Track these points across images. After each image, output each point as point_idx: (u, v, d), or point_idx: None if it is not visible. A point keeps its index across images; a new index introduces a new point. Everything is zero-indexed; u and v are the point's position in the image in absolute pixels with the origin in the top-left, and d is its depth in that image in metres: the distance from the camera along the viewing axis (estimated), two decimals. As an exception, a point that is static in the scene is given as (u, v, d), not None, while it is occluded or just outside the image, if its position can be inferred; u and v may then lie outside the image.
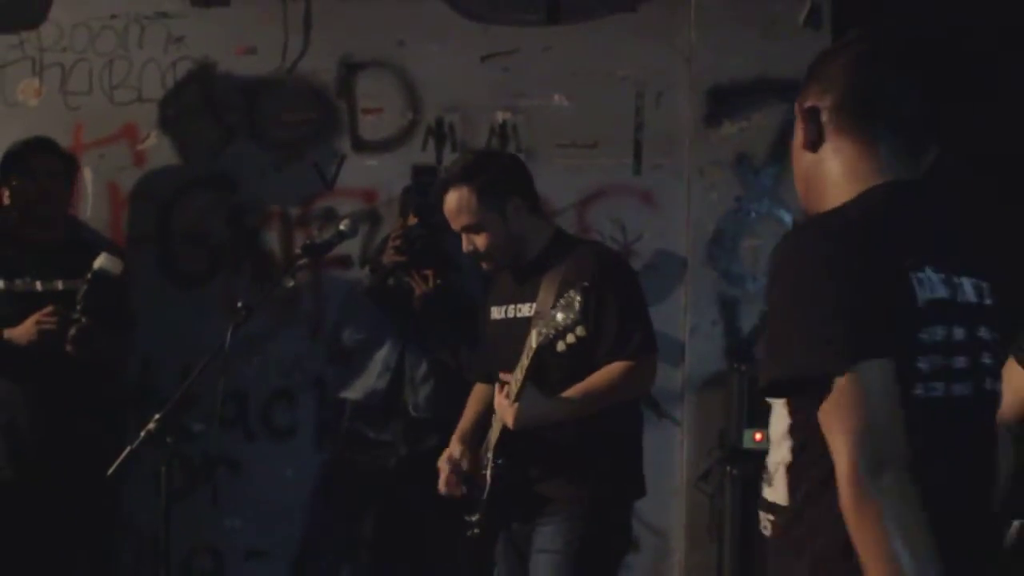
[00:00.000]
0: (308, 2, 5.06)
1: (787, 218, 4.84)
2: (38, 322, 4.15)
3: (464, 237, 3.45)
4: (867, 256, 1.78)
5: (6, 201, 4.36)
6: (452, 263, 4.35)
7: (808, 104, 2.03)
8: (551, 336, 2.99)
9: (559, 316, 2.96)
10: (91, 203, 5.07)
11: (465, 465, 3.52)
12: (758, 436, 4.27)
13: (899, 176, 1.95)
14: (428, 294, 4.33)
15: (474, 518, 3.50)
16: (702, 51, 4.90)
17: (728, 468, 4.37)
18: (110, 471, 3.26)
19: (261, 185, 5.04)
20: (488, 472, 3.41)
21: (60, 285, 4.26)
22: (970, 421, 1.90)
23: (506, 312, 3.50)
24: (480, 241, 3.42)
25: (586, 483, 3.37)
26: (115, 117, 5.09)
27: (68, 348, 4.11)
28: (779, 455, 2.03)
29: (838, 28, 4.84)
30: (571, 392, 3.27)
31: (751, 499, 4.19)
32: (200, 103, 5.09)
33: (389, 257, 4.34)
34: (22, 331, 4.17)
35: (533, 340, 3.06)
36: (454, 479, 3.52)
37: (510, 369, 3.26)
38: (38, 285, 4.29)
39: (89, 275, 4.09)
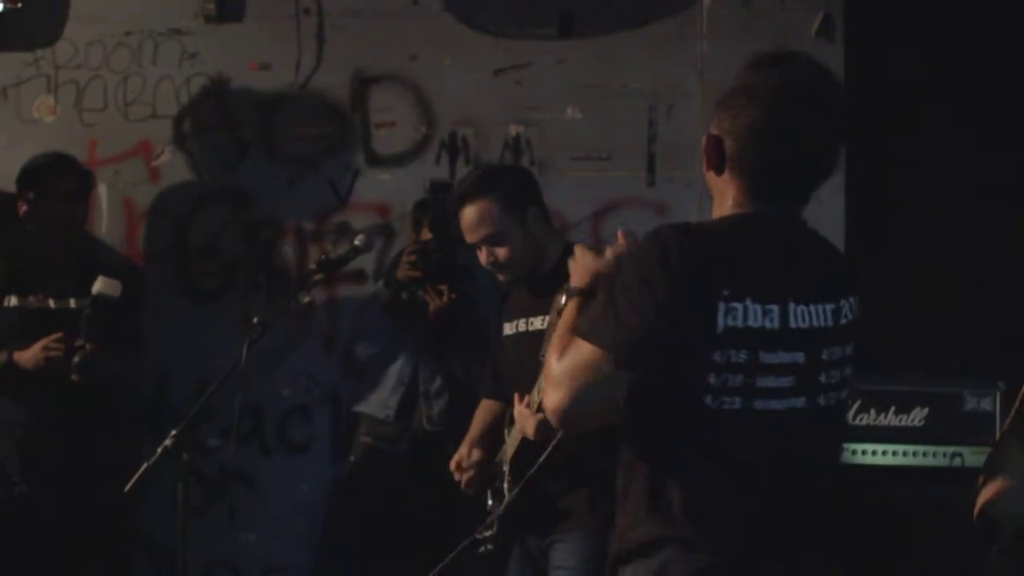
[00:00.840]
0: (321, 17, 5.07)
1: (801, 229, 4.81)
2: (45, 347, 4.16)
3: (484, 250, 3.45)
4: (679, 277, 2.11)
5: (22, 215, 4.38)
6: (467, 277, 4.35)
7: (715, 132, 2.24)
8: None
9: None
10: (106, 219, 5.08)
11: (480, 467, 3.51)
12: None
13: (767, 211, 2.22)
14: (443, 309, 4.33)
15: (487, 533, 3.48)
16: (714, 63, 4.90)
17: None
18: (127, 488, 3.28)
19: (275, 200, 5.05)
20: (506, 485, 3.40)
21: (73, 303, 4.28)
22: (786, 434, 2.20)
23: (518, 326, 3.51)
24: (501, 252, 3.42)
25: (604, 498, 3.36)
26: (130, 133, 5.11)
27: (73, 376, 4.13)
28: None
29: (851, 39, 4.84)
30: None
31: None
32: (214, 119, 5.10)
33: (404, 272, 4.34)
34: (29, 356, 4.19)
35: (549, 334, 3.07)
36: (477, 480, 3.50)
37: (523, 383, 3.26)
38: (51, 302, 4.30)
39: (88, 301, 4.10)
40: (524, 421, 3.25)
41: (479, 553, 3.49)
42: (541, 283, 3.43)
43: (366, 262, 4.84)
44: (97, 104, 5.11)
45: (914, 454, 4.15)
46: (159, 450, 3.21)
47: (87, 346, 4.13)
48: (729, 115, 2.22)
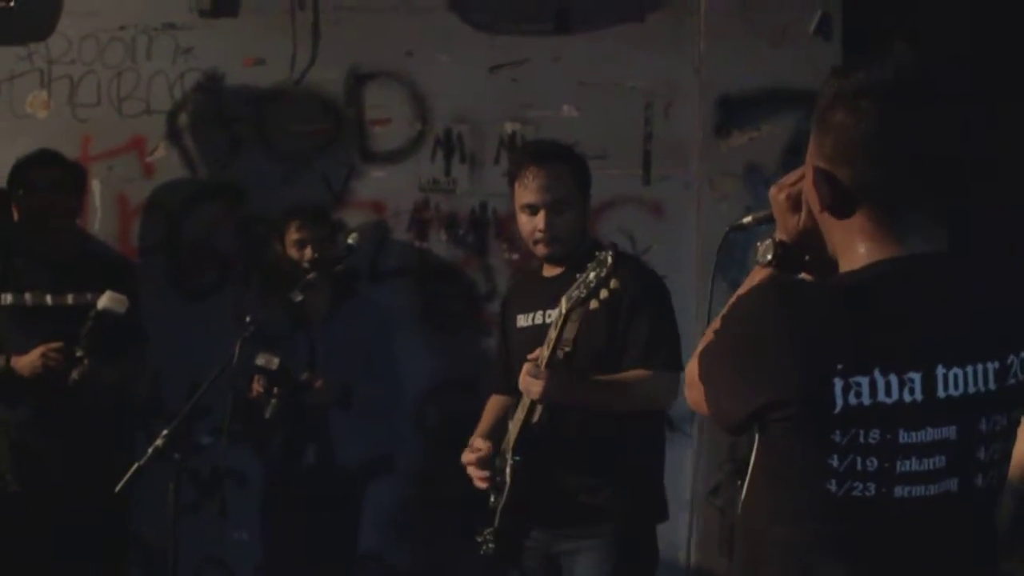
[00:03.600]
0: (316, 13, 5.05)
1: (798, 228, 4.80)
2: (44, 355, 4.15)
3: (541, 215, 3.42)
4: (792, 360, 1.79)
5: (15, 215, 4.37)
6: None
7: (820, 165, 1.90)
8: (583, 295, 3.01)
9: (591, 274, 2.99)
10: (100, 215, 5.07)
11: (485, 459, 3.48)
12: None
13: (915, 247, 1.85)
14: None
15: (488, 531, 3.44)
16: (711, 61, 4.88)
17: (739, 482, 4.34)
18: (118, 487, 3.26)
19: (270, 196, 5.02)
20: (508, 470, 3.35)
21: (70, 299, 4.27)
22: (937, 523, 1.84)
23: (533, 319, 3.50)
24: (560, 220, 3.42)
25: (618, 497, 3.33)
26: (123, 129, 5.08)
27: (70, 388, 4.11)
28: None
29: (849, 38, 4.82)
30: (598, 378, 3.27)
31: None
32: (208, 114, 5.08)
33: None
34: (27, 362, 4.18)
35: (563, 305, 3.07)
36: (484, 473, 3.47)
37: None
38: (48, 299, 4.29)
39: (92, 314, 4.07)
40: (529, 385, 3.21)
41: (481, 553, 3.46)
42: (559, 279, 3.40)
43: (360, 260, 4.81)
44: (91, 99, 5.09)
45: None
46: (150, 450, 3.20)
47: (85, 361, 4.11)
48: (832, 137, 1.85)
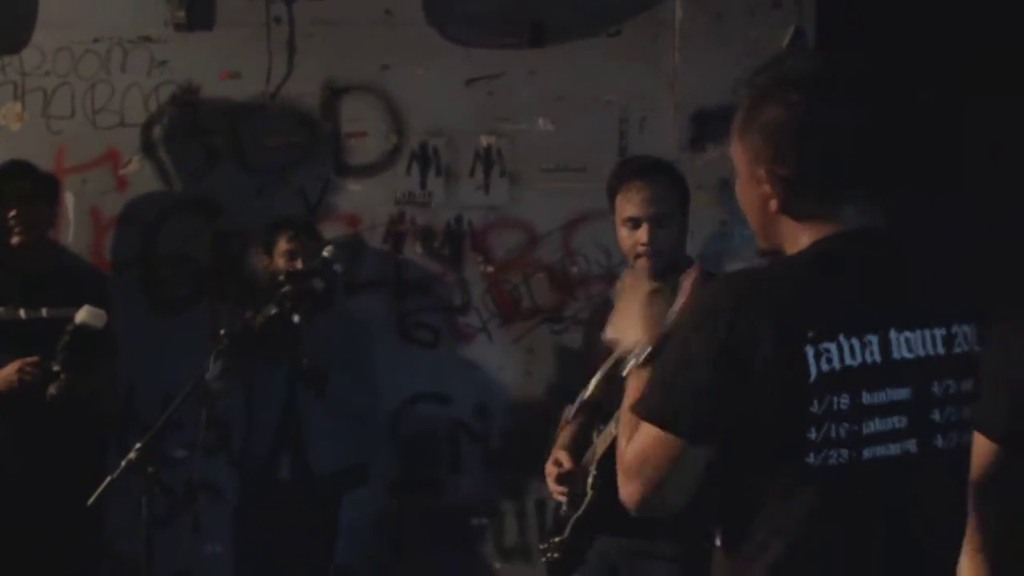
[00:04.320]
0: (292, 26, 5.05)
1: (772, 242, 4.82)
2: (20, 370, 4.13)
3: (644, 228, 3.38)
4: (760, 334, 1.85)
5: (-12, 229, 4.35)
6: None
7: (759, 171, 2.02)
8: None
9: None
10: (73, 228, 5.05)
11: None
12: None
13: (851, 224, 1.97)
14: None
15: (555, 540, 3.39)
16: (686, 75, 4.90)
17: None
18: (90, 501, 3.23)
19: (245, 209, 5.01)
20: (589, 482, 3.30)
21: (44, 312, 4.23)
22: (900, 483, 1.94)
23: None
24: (662, 234, 3.39)
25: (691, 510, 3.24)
26: (98, 141, 5.07)
27: (48, 403, 4.08)
28: None
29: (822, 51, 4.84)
30: None
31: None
32: (183, 127, 5.07)
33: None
34: (2, 377, 4.16)
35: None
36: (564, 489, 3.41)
37: (619, 392, 3.21)
38: (22, 313, 4.25)
39: (70, 328, 4.04)
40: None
41: (544, 561, 3.42)
42: (659, 290, 3.39)
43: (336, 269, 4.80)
44: (65, 111, 5.07)
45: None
46: (123, 463, 3.17)
47: (63, 376, 4.09)
48: (764, 136, 1.98)
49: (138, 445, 3.21)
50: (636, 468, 1.96)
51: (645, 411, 1.95)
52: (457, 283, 4.99)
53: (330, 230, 4.94)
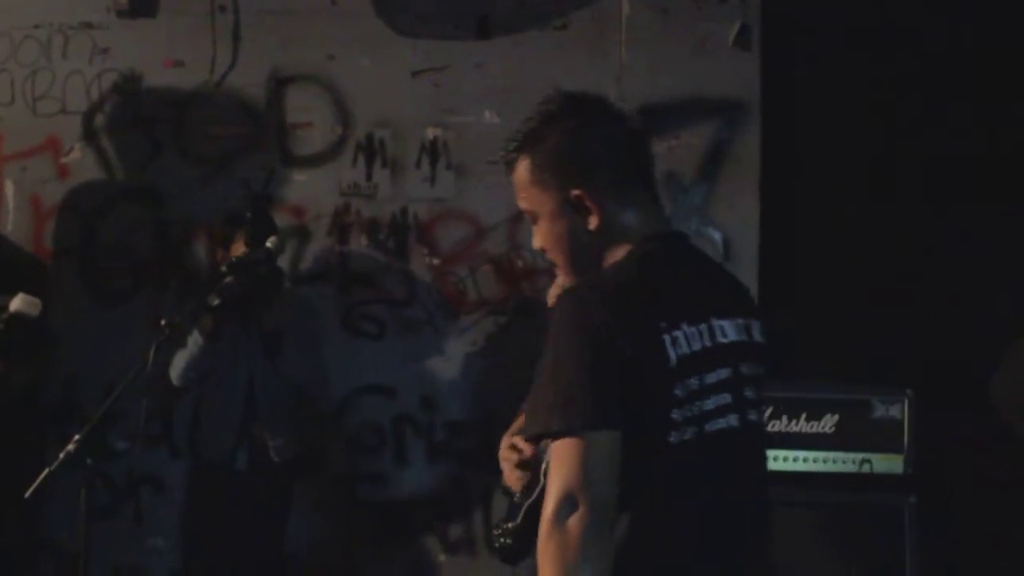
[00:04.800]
0: (237, 15, 5.00)
1: (716, 236, 4.86)
2: None
3: None
4: (626, 328, 2.05)
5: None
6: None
7: (568, 194, 2.19)
8: None
9: None
10: (12, 216, 4.97)
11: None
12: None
13: (655, 229, 2.22)
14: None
15: (508, 526, 3.34)
16: (632, 69, 4.92)
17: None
18: (27, 493, 3.20)
19: (188, 200, 4.97)
20: (543, 470, 3.22)
21: None
22: (731, 451, 2.16)
23: None
24: None
25: None
26: (38, 129, 5.00)
27: None
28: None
29: (767, 48, 4.88)
30: None
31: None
32: (126, 116, 5.01)
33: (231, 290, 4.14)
34: None
35: None
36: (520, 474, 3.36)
37: None
38: (-45, 302, 4.19)
39: (4, 316, 3.99)
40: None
41: (496, 547, 3.38)
42: None
43: (279, 264, 4.77)
44: (4, 98, 5.00)
45: (824, 460, 4.19)
46: (61, 455, 3.14)
47: None
48: (558, 165, 2.19)
49: (77, 437, 3.19)
50: (576, 487, 2.02)
51: (566, 428, 2.04)
52: (403, 275, 4.97)
53: (275, 221, 4.90)
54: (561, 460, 2.05)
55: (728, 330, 2.19)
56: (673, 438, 2.08)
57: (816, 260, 4.87)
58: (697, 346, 2.12)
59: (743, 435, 2.19)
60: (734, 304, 2.25)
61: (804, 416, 4.21)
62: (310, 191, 4.98)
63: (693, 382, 2.11)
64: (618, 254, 2.19)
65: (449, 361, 4.94)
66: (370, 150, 4.98)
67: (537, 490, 3.25)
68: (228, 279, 3.81)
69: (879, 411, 4.20)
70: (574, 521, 2.02)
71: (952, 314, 4.73)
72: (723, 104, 4.89)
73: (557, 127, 2.20)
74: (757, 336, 2.26)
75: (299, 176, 5.00)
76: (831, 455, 4.19)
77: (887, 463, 4.18)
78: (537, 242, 2.29)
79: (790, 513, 4.18)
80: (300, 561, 4.85)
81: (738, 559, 2.19)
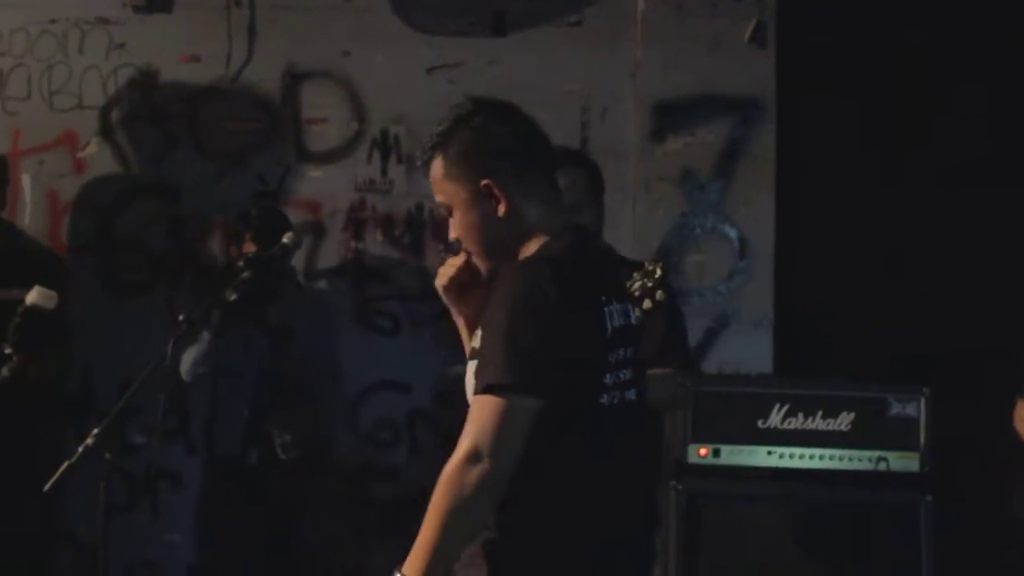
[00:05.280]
0: (253, 10, 5.01)
1: (732, 233, 4.86)
2: None
3: None
4: (574, 299, 2.26)
5: (-62, 211, 4.30)
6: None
7: (484, 182, 2.37)
8: None
9: (636, 284, 3.05)
10: (29, 211, 4.98)
11: None
12: (702, 451, 4.27)
13: (560, 220, 2.43)
14: None
15: None
16: (648, 66, 4.91)
17: (672, 483, 4.36)
18: (47, 486, 3.21)
19: (204, 195, 4.98)
20: None
21: None
22: (636, 420, 2.44)
23: None
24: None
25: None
26: (54, 124, 5.01)
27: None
28: None
29: (783, 45, 4.87)
30: None
31: (695, 514, 4.21)
32: (142, 111, 5.02)
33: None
34: None
35: None
36: None
37: None
38: (-28, 295, 4.21)
39: (21, 309, 4.00)
40: None
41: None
42: None
43: (295, 260, 4.78)
44: (21, 93, 5.01)
45: (840, 458, 4.19)
46: (80, 449, 3.15)
47: (14, 358, 4.05)
48: (468, 159, 2.38)
49: (95, 431, 3.19)
50: (490, 447, 2.18)
51: (492, 384, 2.20)
52: (418, 271, 4.97)
53: (290, 217, 4.90)
54: (483, 413, 2.21)
55: (623, 313, 2.42)
56: (605, 401, 2.32)
57: (831, 256, 4.87)
58: (618, 323, 2.38)
59: (639, 408, 2.45)
60: (620, 289, 2.53)
61: (820, 413, 4.19)
62: (325, 187, 4.99)
63: (620, 352, 2.36)
64: (532, 245, 2.39)
65: (464, 357, 4.93)
66: (385, 146, 4.99)
67: None
68: (245, 274, 3.81)
69: (895, 409, 4.19)
70: (476, 473, 2.18)
71: (969, 310, 4.73)
72: (738, 101, 4.89)
73: (465, 126, 2.40)
74: (634, 320, 2.48)
75: (314, 172, 5.01)
76: (847, 453, 4.17)
77: (903, 461, 4.16)
78: (453, 233, 2.45)
79: (805, 511, 4.19)
80: (313, 556, 4.86)
81: (641, 514, 2.49)
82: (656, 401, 3.29)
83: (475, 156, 2.39)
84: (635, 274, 3.14)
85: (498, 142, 2.41)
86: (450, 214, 2.44)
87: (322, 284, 4.97)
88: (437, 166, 2.43)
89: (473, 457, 2.18)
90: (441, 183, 2.43)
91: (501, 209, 2.38)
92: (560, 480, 2.29)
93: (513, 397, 2.19)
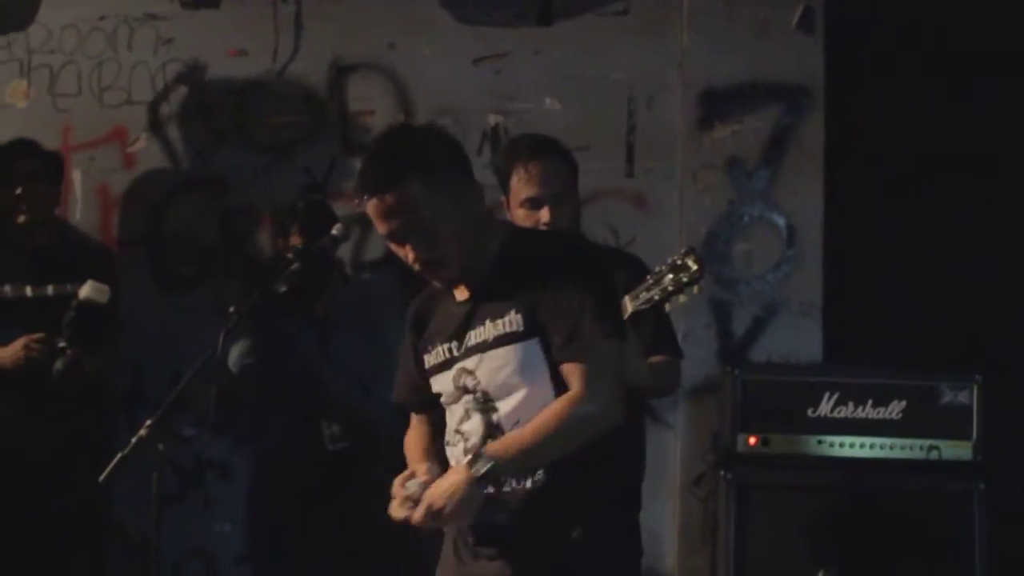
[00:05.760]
0: (299, 4, 5.03)
1: (780, 221, 4.83)
2: (26, 347, 4.14)
3: (544, 210, 3.37)
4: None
5: (-7, 206, 4.35)
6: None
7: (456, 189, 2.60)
8: (656, 297, 3.23)
9: (668, 276, 3.21)
10: (80, 206, 5.04)
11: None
12: (752, 440, 4.26)
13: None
14: None
15: None
16: (694, 54, 4.89)
17: (722, 472, 4.35)
18: (101, 477, 3.24)
19: (252, 188, 5.01)
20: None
21: (50, 290, 4.23)
22: None
23: None
24: (562, 212, 3.38)
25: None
26: (104, 119, 5.06)
27: (54, 379, 4.10)
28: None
29: (831, 31, 4.83)
30: None
31: (745, 503, 4.20)
32: (190, 105, 5.06)
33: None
34: (9, 354, 4.18)
35: (628, 305, 3.22)
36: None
37: None
38: (28, 290, 4.25)
39: (74, 303, 4.05)
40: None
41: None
42: None
43: (343, 252, 4.80)
44: (71, 89, 5.06)
45: (892, 447, 4.16)
46: (133, 440, 3.17)
47: (68, 352, 4.10)
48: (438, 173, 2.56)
49: (148, 422, 3.22)
50: (611, 386, 2.49)
51: (608, 333, 2.48)
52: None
53: (337, 209, 4.90)
54: (610, 362, 2.48)
55: None
56: None
57: (881, 244, 4.82)
58: None
59: None
60: None
61: (871, 402, 4.17)
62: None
63: None
64: (495, 236, 2.62)
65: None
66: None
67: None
68: (295, 265, 3.83)
69: (947, 397, 4.16)
70: (604, 413, 2.46)
71: (1021, 296, 4.67)
72: (786, 88, 4.85)
73: (416, 148, 2.61)
74: None
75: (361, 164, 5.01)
76: (898, 441, 4.15)
77: (955, 449, 4.14)
78: (423, 249, 2.58)
79: (857, 500, 4.16)
80: (362, 547, 4.87)
81: None
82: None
83: (441, 168, 2.55)
84: (662, 267, 3.14)
85: (442, 152, 2.62)
86: (427, 233, 2.56)
87: (368, 276, 4.98)
88: (417, 188, 2.51)
89: (612, 402, 2.46)
90: (424, 200, 2.52)
91: (468, 210, 2.57)
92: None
93: (622, 344, 2.53)
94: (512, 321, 2.52)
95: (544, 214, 3.36)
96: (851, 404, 4.18)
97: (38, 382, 4.16)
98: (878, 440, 4.16)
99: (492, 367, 2.55)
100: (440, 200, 2.50)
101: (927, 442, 4.15)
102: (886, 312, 4.69)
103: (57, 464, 4.23)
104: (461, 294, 2.70)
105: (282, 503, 4.48)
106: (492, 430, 2.57)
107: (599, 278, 2.55)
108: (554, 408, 2.45)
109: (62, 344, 4.12)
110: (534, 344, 2.51)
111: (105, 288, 4.12)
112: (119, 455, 3.20)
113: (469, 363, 2.60)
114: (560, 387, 2.51)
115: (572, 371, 2.47)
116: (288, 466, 4.48)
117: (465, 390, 2.62)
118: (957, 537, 4.09)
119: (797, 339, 4.75)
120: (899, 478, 4.15)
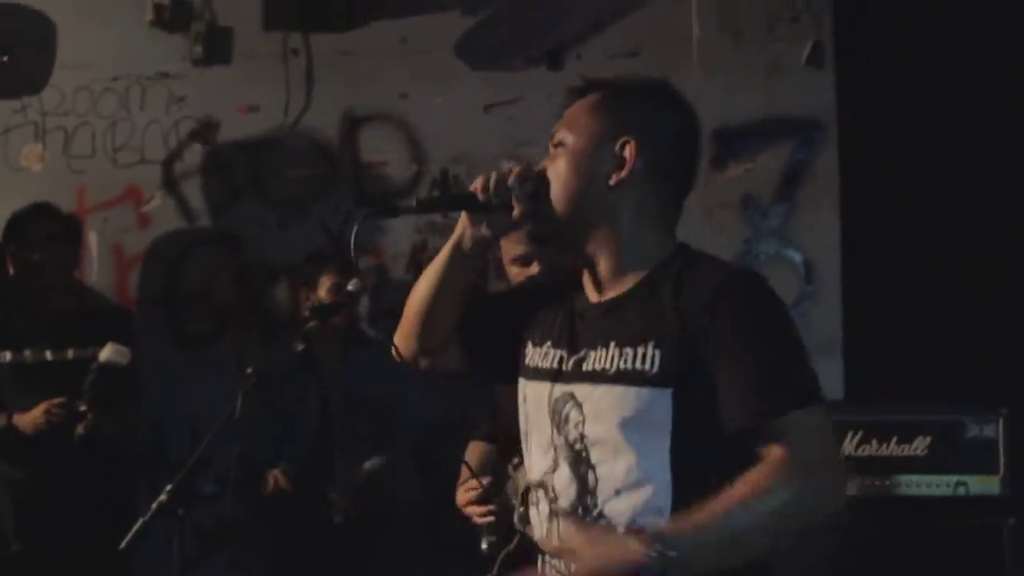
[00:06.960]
0: (309, 58, 5.06)
1: (797, 258, 4.80)
2: (47, 412, 4.14)
3: (535, 265, 3.28)
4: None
5: (10, 271, 4.36)
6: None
7: (624, 139, 2.14)
8: None
9: None
10: (96, 267, 5.05)
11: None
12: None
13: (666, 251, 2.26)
14: None
15: (492, 538, 3.27)
16: (706, 93, 4.86)
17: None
18: (122, 545, 3.23)
19: (267, 243, 5.02)
20: (517, 517, 3.05)
21: (71, 354, 4.25)
22: None
23: None
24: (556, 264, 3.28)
25: None
26: (119, 179, 5.08)
27: (76, 442, 4.10)
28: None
29: (840, 66, 4.82)
30: None
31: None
32: (203, 163, 5.08)
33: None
34: (29, 420, 4.18)
35: None
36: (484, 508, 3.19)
37: None
38: (48, 355, 4.27)
39: (95, 366, 4.06)
40: None
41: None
42: None
43: (361, 304, 4.80)
44: (85, 151, 5.09)
45: (918, 484, 4.10)
46: (154, 506, 3.16)
47: (90, 415, 4.10)
48: (643, 122, 2.17)
49: (168, 487, 3.21)
50: (831, 456, 2.08)
51: (809, 397, 2.03)
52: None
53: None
54: (817, 430, 2.01)
55: None
56: None
57: (900, 278, 4.78)
58: None
59: None
60: None
61: (895, 439, 4.12)
62: (387, 229, 4.99)
63: None
64: (666, 240, 2.19)
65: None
66: (445, 186, 4.99)
67: (515, 541, 3.12)
68: (312, 323, 3.83)
69: (973, 431, 4.11)
70: (823, 491, 1.98)
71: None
72: (799, 124, 4.84)
73: (645, 91, 2.24)
74: None
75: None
76: (924, 479, 4.10)
77: (983, 485, 4.08)
78: (550, 168, 2.19)
79: (884, 540, 4.11)
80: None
81: None
82: None
83: (643, 127, 2.14)
84: None
85: (664, 127, 2.19)
86: (555, 154, 2.21)
87: (385, 326, 4.97)
88: (592, 97, 2.21)
89: (832, 476, 2.01)
90: (581, 115, 2.23)
91: (615, 177, 2.12)
92: None
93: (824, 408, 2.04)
94: (646, 356, 2.01)
95: (535, 269, 3.23)
96: (875, 442, 4.13)
97: (59, 447, 4.16)
98: (904, 478, 4.11)
99: (600, 407, 2.04)
100: (587, 121, 2.20)
101: (954, 478, 4.09)
102: (908, 347, 4.65)
103: (79, 529, 4.21)
104: (593, 295, 2.20)
105: (302, 563, 4.46)
106: (584, 497, 2.07)
107: (790, 327, 2.08)
108: (753, 489, 1.92)
109: (83, 408, 4.12)
110: (665, 396, 1.99)
111: (125, 350, 4.13)
112: (140, 521, 3.18)
113: (580, 391, 2.08)
114: (681, 457, 1.99)
115: (766, 442, 1.97)
116: (299, 534, 4.45)
117: (561, 424, 2.10)
118: (988, 573, 4.04)
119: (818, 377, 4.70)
120: (927, 516, 4.10)
